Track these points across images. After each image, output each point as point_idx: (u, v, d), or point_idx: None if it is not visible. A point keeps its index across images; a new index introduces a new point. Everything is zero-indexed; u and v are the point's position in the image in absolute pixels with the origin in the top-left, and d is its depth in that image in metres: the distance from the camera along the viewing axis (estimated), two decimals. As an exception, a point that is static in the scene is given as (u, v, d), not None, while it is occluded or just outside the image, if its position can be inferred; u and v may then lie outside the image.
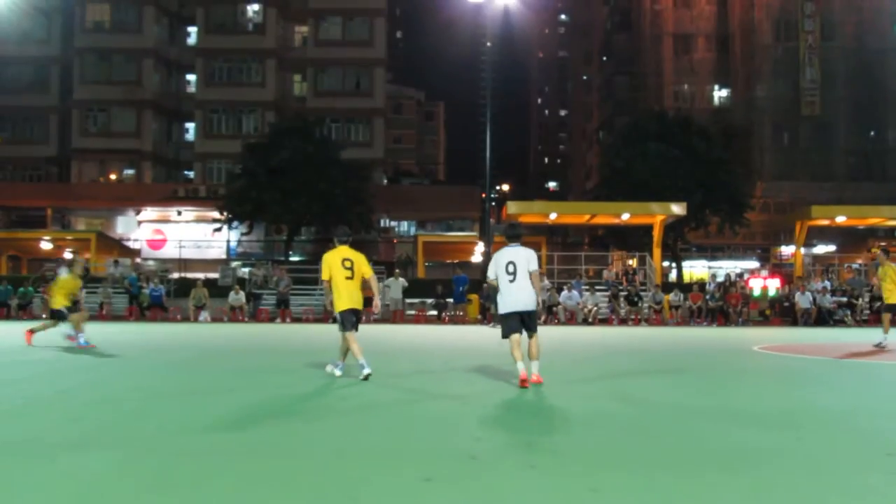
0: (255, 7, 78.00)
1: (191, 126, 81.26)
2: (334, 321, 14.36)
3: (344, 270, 13.77)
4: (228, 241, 66.91)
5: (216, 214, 61.25)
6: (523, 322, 13.11)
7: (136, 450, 7.80)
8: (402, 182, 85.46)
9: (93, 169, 77.76)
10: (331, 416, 10.06)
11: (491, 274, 13.43)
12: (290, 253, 61.03)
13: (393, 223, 76.76)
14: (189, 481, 6.62)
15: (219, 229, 61.14)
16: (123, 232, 72.52)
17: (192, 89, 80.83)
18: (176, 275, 53.57)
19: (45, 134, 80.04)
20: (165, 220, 73.38)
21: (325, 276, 13.90)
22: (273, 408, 10.80)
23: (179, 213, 71.88)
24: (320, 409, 10.75)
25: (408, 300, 44.62)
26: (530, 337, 13.23)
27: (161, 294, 44.37)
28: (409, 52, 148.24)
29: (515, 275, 13.03)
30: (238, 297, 44.06)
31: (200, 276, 50.13)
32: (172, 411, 10.42)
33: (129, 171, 78.62)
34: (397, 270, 46.93)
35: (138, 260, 59.39)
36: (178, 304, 44.88)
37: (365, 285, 14.18)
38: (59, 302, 22.25)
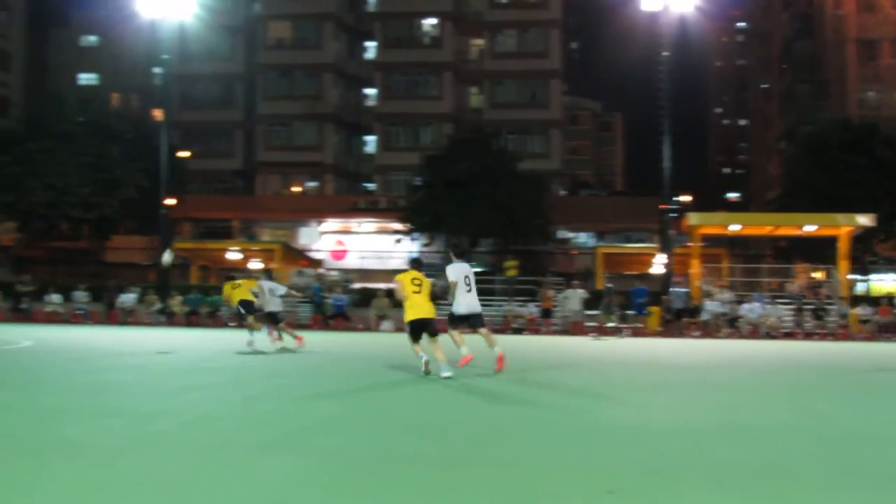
0: (432, 21, 78.81)
1: (370, 139, 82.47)
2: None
3: (413, 286, 16.57)
4: (409, 252, 67.70)
5: (396, 226, 62.09)
6: (471, 320, 17.48)
7: (321, 455, 8.05)
8: (579, 193, 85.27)
9: (276, 181, 79.58)
10: (510, 426, 10.19)
11: (451, 278, 17.46)
12: (471, 263, 61.38)
13: (571, 234, 76.61)
14: (373, 488, 6.80)
15: (399, 240, 61.95)
16: (306, 243, 73.95)
17: (371, 103, 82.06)
18: (358, 285, 54.47)
19: (231, 148, 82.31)
20: (347, 232, 74.65)
21: (399, 291, 16.73)
22: (450, 417, 11.05)
23: (360, 225, 73.06)
24: (499, 419, 10.88)
25: (587, 312, 44.52)
26: (481, 330, 17.76)
27: (344, 304, 45.24)
28: (585, 63, 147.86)
29: (471, 286, 17.49)
30: (418, 307, 44.59)
31: (382, 286, 50.88)
32: (354, 418, 10.75)
33: (312, 184, 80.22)
34: (576, 282, 46.85)
35: (321, 270, 60.58)
36: (361, 313, 45.65)
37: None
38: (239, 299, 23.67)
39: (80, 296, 47.98)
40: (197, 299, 46.29)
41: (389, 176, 77.36)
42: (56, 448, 7.98)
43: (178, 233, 66.47)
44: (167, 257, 25.54)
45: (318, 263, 67.25)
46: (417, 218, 58.85)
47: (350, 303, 46.11)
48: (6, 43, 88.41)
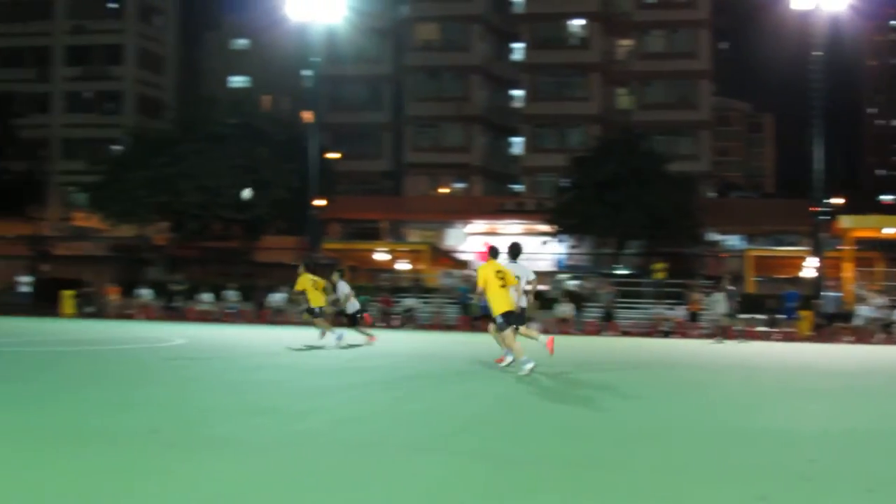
0: (580, 22, 78.42)
1: (517, 140, 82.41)
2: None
3: (498, 280, 16.81)
4: (557, 254, 67.39)
5: (543, 227, 61.91)
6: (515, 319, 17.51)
7: (469, 455, 8.01)
8: (729, 195, 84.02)
9: (424, 182, 80.00)
10: (658, 429, 10.07)
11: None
12: (618, 265, 61.00)
13: (720, 237, 75.44)
14: (521, 490, 6.73)
15: (546, 242, 61.76)
16: (453, 244, 74.18)
17: (518, 104, 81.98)
18: (504, 286, 54.27)
19: (379, 149, 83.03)
20: (493, 233, 74.65)
21: (480, 284, 17.12)
22: (593, 419, 10.92)
23: (507, 226, 72.99)
24: (644, 422, 10.75)
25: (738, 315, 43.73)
26: (522, 328, 18.25)
27: (490, 305, 45.23)
28: (735, 64, 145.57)
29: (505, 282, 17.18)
30: (566, 308, 44.43)
31: (528, 288, 50.72)
32: (502, 419, 10.68)
33: (459, 185, 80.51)
34: (725, 285, 46.12)
35: (468, 271, 60.65)
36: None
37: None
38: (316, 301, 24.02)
39: (231, 295, 48.91)
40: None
41: (536, 177, 77.17)
42: (206, 445, 8.05)
43: (326, 233, 67.22)
44: (247, 193, 26.40)
45: (464, 265, 67.39)
46: (564, 220, 58.63)
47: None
48: (160, 47, 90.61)
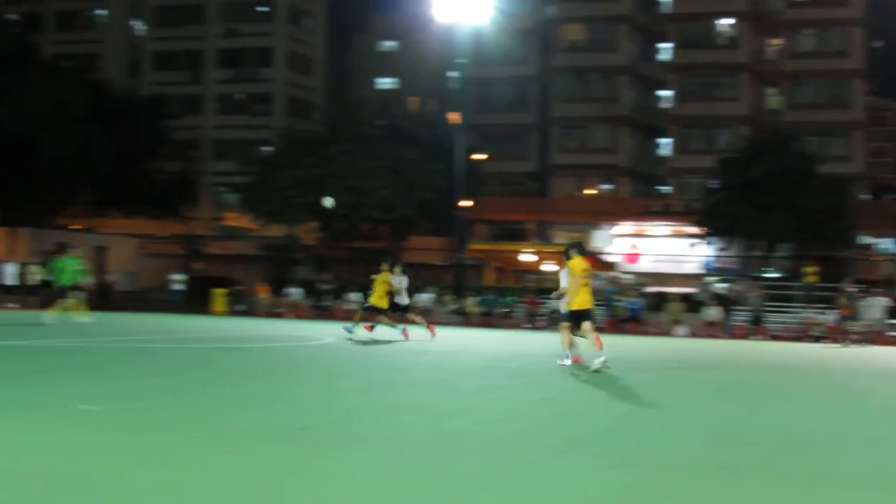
0: (729, 21, 77.30)
1: (664, 141, 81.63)
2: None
3: (584, 279, 17.28)
4: (705, 257, 66.53)
5: (691, 229, 61.20)
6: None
7: (615, 459, 7.96)
8: (883, 197, 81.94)
9: (570, 184, 79.69)
10: (808, 434, 9.91)
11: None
12: (768, 268, 59.98)
13: (873, 240, 73.56)
14: (667, 495, 6.69)
15: (694, 244, 61.04)
16: (600, 246, 73.76)
17: (665, 105, 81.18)
18: (652, 289, 53.95)
19: (525, 150, 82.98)
20: (641, 235, 74.04)
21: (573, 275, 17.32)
22: (741, 428, 10.75)
23: (654, 228, 72.33)
24: (794, 427, 10.58)
25: (889, 321, 42.71)
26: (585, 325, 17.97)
27: (638, 307, 44.92)
28: (890, 63, 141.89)
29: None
30: (713, 312, 43.87)
31: (676, 290, 50.29)
32: (648, 423, 10.61)
33: (606, 186, 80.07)
34: (879, 290, 45.06)
35: (615, 273, 60.26)
36: (655, 317, 45.23)
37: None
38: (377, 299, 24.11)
39: (378, 295, 49.33)
40: (492, 300, 46.82)
41: (684, 179, 76.25)
42: (353, 443, 8.14)
43: (472, 234, 67.48)
44: (328, 202, 26.91)
45: (611, 266, 66.95)
46: (713, 222, 57.83)
47: (644, 307, 45.71)
48: (309, 49, 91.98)
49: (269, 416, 9.75)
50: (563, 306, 18.10)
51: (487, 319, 46.07)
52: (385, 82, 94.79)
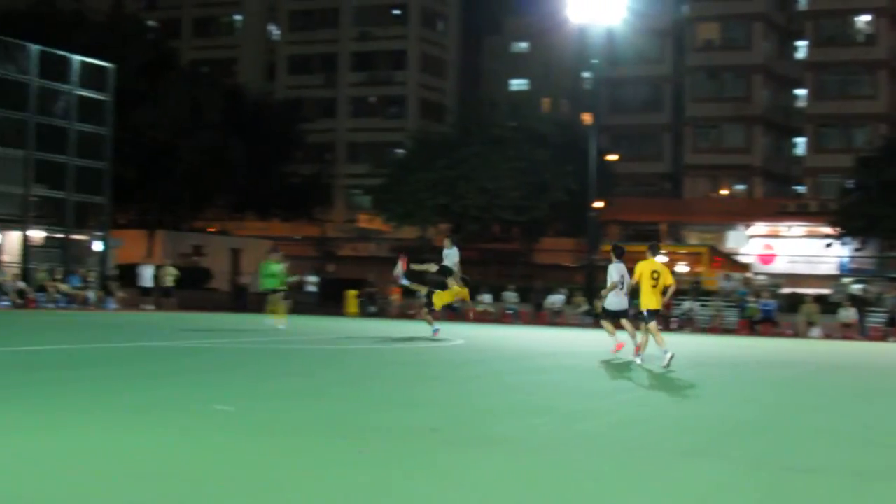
0: (866, 18, 75.67)
1: (799, 140, 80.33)
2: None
3: (651, 280, 18.01)
4: (840, 257, 65.31)
5: (827, 230, 60.13)
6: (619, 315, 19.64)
7: (748, 462, 7.89)
8: None
9: (704, 184, 78.89)
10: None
11: (615, 278, 19.20)
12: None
13: None
14: (802, 499, 6.62)
15: (830, 245, 59.96)
16: (734, 246, 72.89)
17: (800, 104, 79.87)
18: (786, 290, 53.12)
19: (658, 151, 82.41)
20: (775, 235, 72.99)
21: (635, 277, 18.31)
22: (884, 432, 10.60)
23: (789, 228, 71.25)
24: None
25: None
26: (624, 322, 19.68)
27: (772, 309, 44.24)
28: None
29: (624, 285, 19.13)
30: (848, 313, 43.03)
31: (811, 291, 49.45)
32: (782, 425, 10.50)
33: (740, 187, 79.08)
34: None
35: (749, 274, 59.51)
36: (789, 319, 44.52)
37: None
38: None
39: (510, 296, 49.42)
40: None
41: (820, 178, 74.88)
42: (485, 444, 8.20)
43: (605, 235, 67.18)
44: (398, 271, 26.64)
45: (745, 267, 66.12)
46: (849, 222, 56.67)
47: (778, 308, 45.02)
48: (442, 52, 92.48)
49: (400, 416, 9.88)
50: (611, 303, 19.53)
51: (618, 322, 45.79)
52: (517, 83, 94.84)
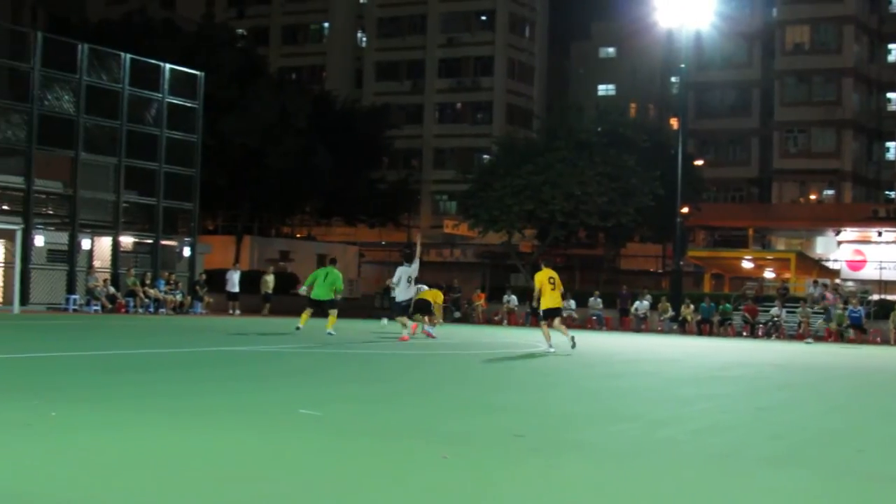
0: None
1: (890, 145, 79.15)
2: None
3: (549, 284, 22.01)
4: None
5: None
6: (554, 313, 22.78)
7: (832, 471, 7.86)
8: None
9: (793, 189, 78.02)
10: None
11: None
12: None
13: None
14: None
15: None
16: (822, 252, 72.03)
17: (891, 107, 78.70)
18: (875, 296, 52.37)
19: (746, 156, 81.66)
20: (866, 241, 71.98)
21: (537, 286, 22.28)
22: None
23: (880, 234, 70.21)
24: None
25: None
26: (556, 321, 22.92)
27: (860, 315, 43.63)
28: None
29: (555, 287, 22.37)
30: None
31: (903, 299, 48.72)
32: (875, 434, 10.40)
33: (829, 192, 78.11)
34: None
35: (837, 281, 58.77)
36: (878, 326, 43.89)
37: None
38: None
39: (595, 302, 49.28)
40: (709, 308, 46.21)
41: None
42: (569, 450, 8.24)
43: (691, 241, 66.76)
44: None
45: (834, 274, 65.30)
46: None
47: (867, 315, 44.39)
48: (528, 57, 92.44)
49: (484, 422, 9.93)
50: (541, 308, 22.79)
51: (705, 327, 45.49)
52: (604, 89, 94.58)
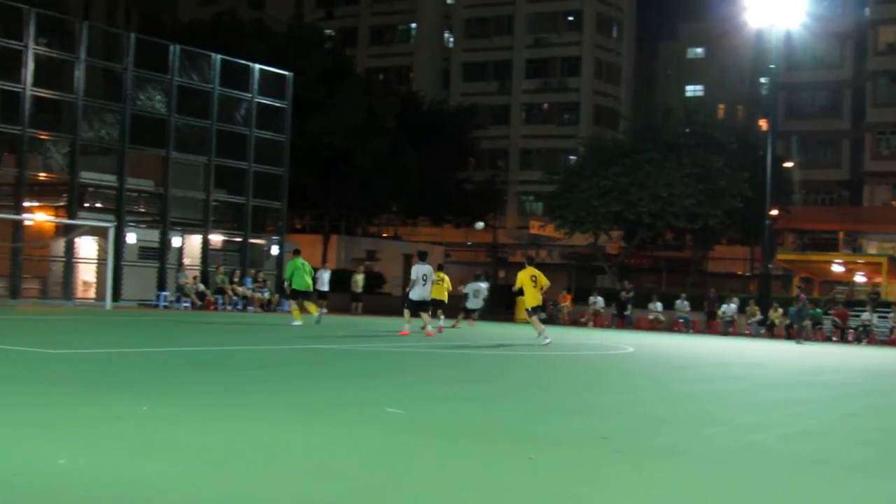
0: None
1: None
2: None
3: (531, 282, 24.04)
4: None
5: None
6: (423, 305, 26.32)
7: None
8: None
9: (885, 192, 76.85)
10: None
11: (413, 276, 26.23)
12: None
13: None
14: None
15: None
16: (914, 257, 70.85)
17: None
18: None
19: (837, 158, 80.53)
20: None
21: (518, 284, 24.69)
22: None
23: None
24: None
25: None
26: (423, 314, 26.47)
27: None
28: None
29: (427, 282, 25.85)
30: None
31: None
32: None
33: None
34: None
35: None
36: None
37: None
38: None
39: (682, 304, 48.95)
40: (797, 312, 45.65)
41: None
42: (655, 454, 8.17)
43: (780, 244, 66.01)
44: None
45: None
46: None
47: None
48: (616, 58, 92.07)
49: (570, 424, 9.92)
50: (415, 294, 25.95)
51: (793, 331, 44.95)
52: (692, 89, 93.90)
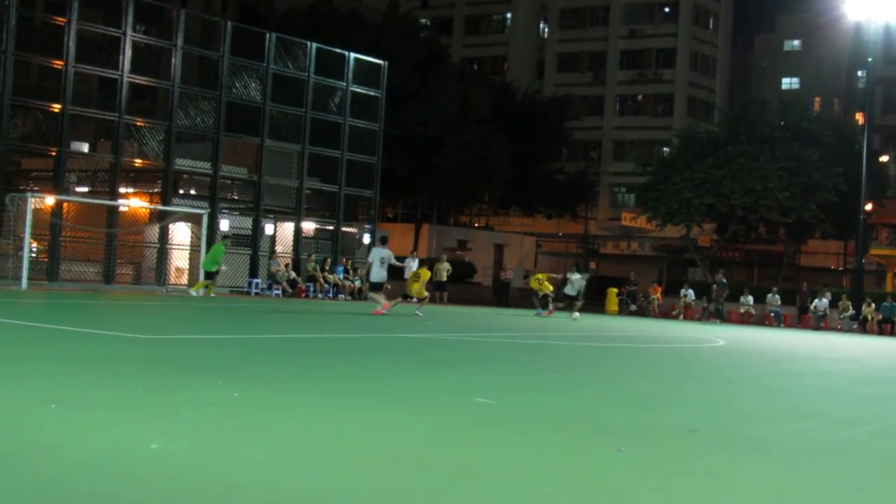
0: None
1: None
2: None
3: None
4: None
5: None
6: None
7: None
8: None
9: None
10: None
11: (370, 259, 28.51)
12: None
13: None
14: None
15: None
16: None
17: None
18: None
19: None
20: None
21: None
22: None
23: None
24: None
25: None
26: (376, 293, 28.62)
27: None
28: None
29: (384, 264, 27.65)
30: None
31: None
32: None
33: None
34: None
35: None
36: None
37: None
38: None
39: (773, 298, 48.51)
40: (891, 307, 45.10)
41: None
42: (744, 448, 8.19)
43: (874, 238, 65.10)
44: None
45: None
46: None
47: None
48: (711, 50, 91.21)
49: (659, 416, 9.97)
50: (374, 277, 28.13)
51: (886, 327, 44.38)
52: (788, 82, 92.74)
